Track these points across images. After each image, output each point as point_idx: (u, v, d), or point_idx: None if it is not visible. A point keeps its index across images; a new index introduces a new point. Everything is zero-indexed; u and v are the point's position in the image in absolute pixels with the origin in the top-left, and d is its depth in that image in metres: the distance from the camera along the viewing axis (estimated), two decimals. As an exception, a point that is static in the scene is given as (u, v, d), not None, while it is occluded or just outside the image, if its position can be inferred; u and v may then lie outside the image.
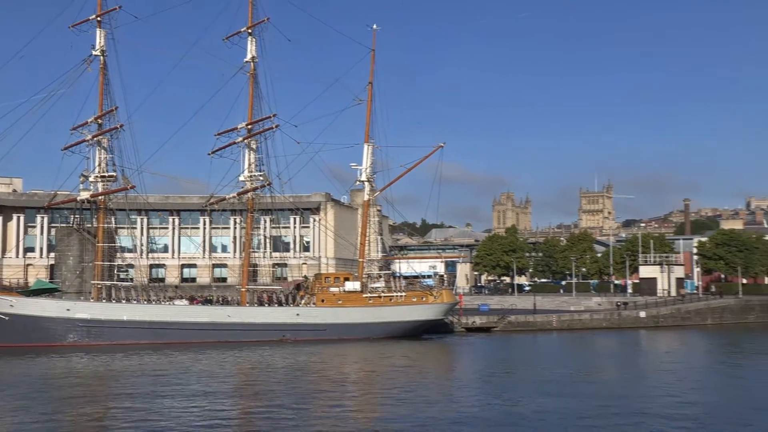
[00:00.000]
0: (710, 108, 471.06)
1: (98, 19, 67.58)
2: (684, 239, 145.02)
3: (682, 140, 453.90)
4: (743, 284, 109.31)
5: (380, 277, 74.22)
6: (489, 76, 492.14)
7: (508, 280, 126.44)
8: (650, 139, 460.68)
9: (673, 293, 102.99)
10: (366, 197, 76.52)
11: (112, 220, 70.29)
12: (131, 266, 73.35)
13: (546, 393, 37.19)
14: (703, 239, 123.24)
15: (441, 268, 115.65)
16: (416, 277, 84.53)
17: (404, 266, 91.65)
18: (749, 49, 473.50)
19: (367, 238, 75.67)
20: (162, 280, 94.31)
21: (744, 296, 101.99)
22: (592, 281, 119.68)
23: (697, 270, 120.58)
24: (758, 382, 43.82)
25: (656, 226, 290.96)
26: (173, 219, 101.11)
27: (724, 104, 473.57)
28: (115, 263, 68.12)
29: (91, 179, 67.63)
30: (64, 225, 75.74)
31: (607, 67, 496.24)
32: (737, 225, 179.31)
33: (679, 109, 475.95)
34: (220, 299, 73.02)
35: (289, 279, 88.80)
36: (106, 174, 67.39)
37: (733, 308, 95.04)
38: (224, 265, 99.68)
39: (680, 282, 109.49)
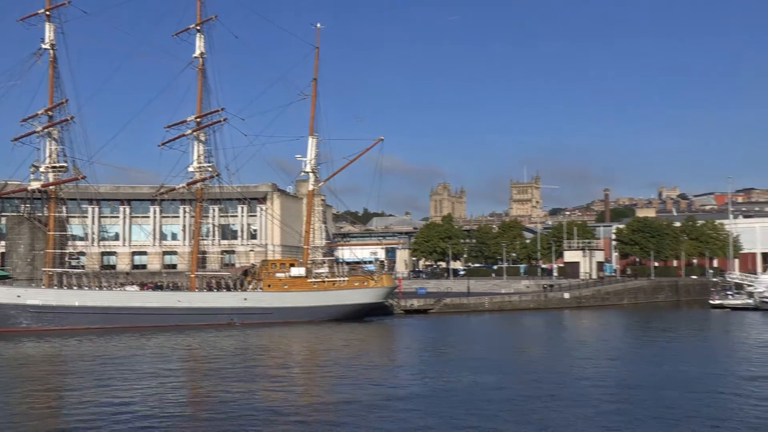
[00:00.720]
0: (627, 108, 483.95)
1: (47, 13, 65.04)
2: (604, 226, 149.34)
3: (602, 136, 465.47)
4: (655, 267, 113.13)
5: (324, 263, 73.92)
6: (425, 77, 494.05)
7: (444, 265, 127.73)
8: (573, 134, 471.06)
9: (594, 276, 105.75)
10: (311, 187, 76.03)
11: (63, 209, 67.87)
12: (83, 254, 71.18)
13: (477, 370, 37.58)
14: (621, 226, 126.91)
15: (381, 254, 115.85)
16: (358, 262, 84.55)
17: (347, 253, 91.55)
18: (663, 56, 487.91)
19: (311, 226, 75.41)
20: (113, 267, 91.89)
21: (656, 278, 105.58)
22: (521, 265, 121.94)
23: (615, 254, 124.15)
24: (669, 354, 45.23)
25: (579, 214, 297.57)
26: (124, 208, 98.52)
27: (639, 105, 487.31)
28: (67, 251, 65.99)
29: (41, 169, 65.20)
30: (14, 214, 72.73)
31: (537, 72, 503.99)
32: (650, 213, 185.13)
33: (598, 108, 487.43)
34: (170, 285, 71.55)
35: (237, 265, 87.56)
36: (56, 165, 65.09)
37: (646, 289, 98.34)
38: (174, 253, 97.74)
39: (600, 265, 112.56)
